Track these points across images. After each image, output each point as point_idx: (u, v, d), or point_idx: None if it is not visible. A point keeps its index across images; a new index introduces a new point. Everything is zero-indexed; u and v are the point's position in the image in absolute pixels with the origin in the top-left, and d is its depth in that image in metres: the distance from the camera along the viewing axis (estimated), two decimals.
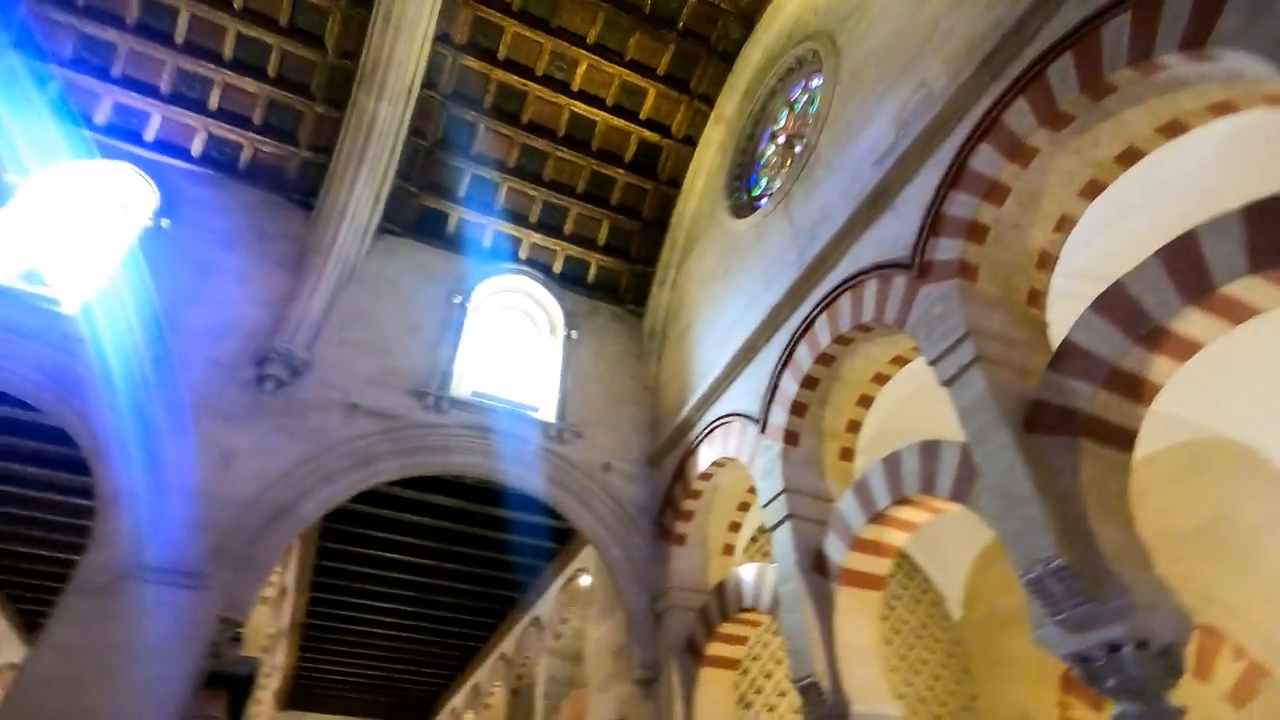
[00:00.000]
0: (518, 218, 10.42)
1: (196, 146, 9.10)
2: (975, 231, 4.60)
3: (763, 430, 6.62)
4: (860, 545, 5.31)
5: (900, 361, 6.05)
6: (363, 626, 14.96)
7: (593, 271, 10.90)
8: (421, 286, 9.42)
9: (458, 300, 9.49)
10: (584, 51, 9.56)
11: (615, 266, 10.96)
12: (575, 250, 10.73)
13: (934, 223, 4.91)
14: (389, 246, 9.54)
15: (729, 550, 8.25)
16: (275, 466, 7.09)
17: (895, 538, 5.35)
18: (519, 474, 8.38)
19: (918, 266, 4.93)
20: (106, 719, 5.38)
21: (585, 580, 10.85)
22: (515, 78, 9.64)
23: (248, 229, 8.78)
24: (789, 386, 6.39)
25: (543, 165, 10.27)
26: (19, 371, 6.71)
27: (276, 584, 10.98)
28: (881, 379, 6.23)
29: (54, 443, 8.41)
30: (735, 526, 8.31)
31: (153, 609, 5.84)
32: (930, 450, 4.65)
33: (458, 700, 18.28)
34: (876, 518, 5.17)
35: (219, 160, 9.20)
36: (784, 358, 6.57)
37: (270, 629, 12.45)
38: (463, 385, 8.86)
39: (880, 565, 5.41)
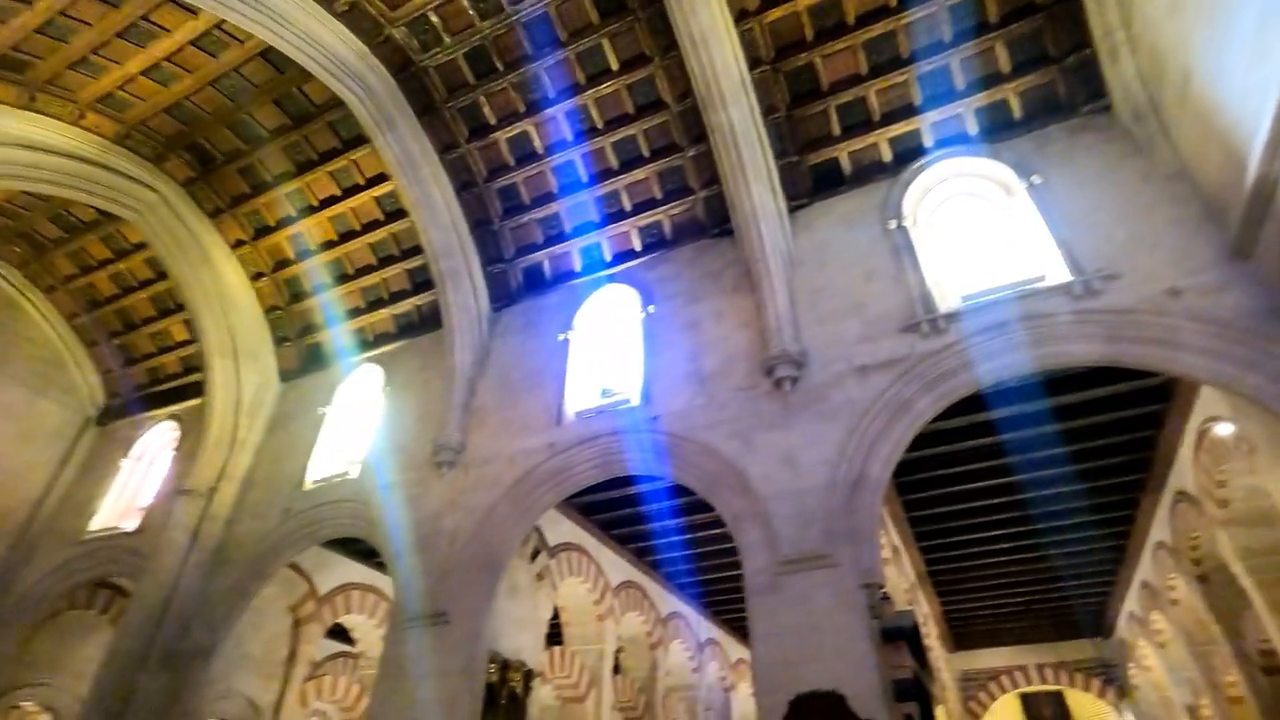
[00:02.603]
0: (901, 112, 9.52)
1: (636, 243, 11.08)
2: None
3: None
4: None
5: None
6: (983, 560, 14.78)
7: (1016, 105, 9.11)
8: (852, 234, 9.31)
9: (893, 225, 9.04)
10: None
11: (1040, 80, 8.94)
12: (982, 98, 9.17)
13: None
14: (806, 219, 9.78)
15: None
16: (829, 449, 7.72)
17: None
18: (1061, 351, 7.27)
19: None
20: (820, 682, 6.42)
21: (1224, 429, 8.60)
22: None
23: (699, 278, 10.14)
24: None
25: (895, 47, 9.23)
26: (633, 457, 8.98)
27: (886, 545, 11.76)
28: None
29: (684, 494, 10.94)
30: None
31: (812, 591, 6.88)
32: None
33: (1131, 604, 16.28)
34: None
35: (653, 242, 10.99)
36: None
37: (904, 584, 13.35)
38: (947, 298, 8.29)
39: None
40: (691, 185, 10.55)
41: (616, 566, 13.32)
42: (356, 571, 13.32)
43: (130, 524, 12.83)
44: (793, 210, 9.81)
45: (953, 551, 14.22)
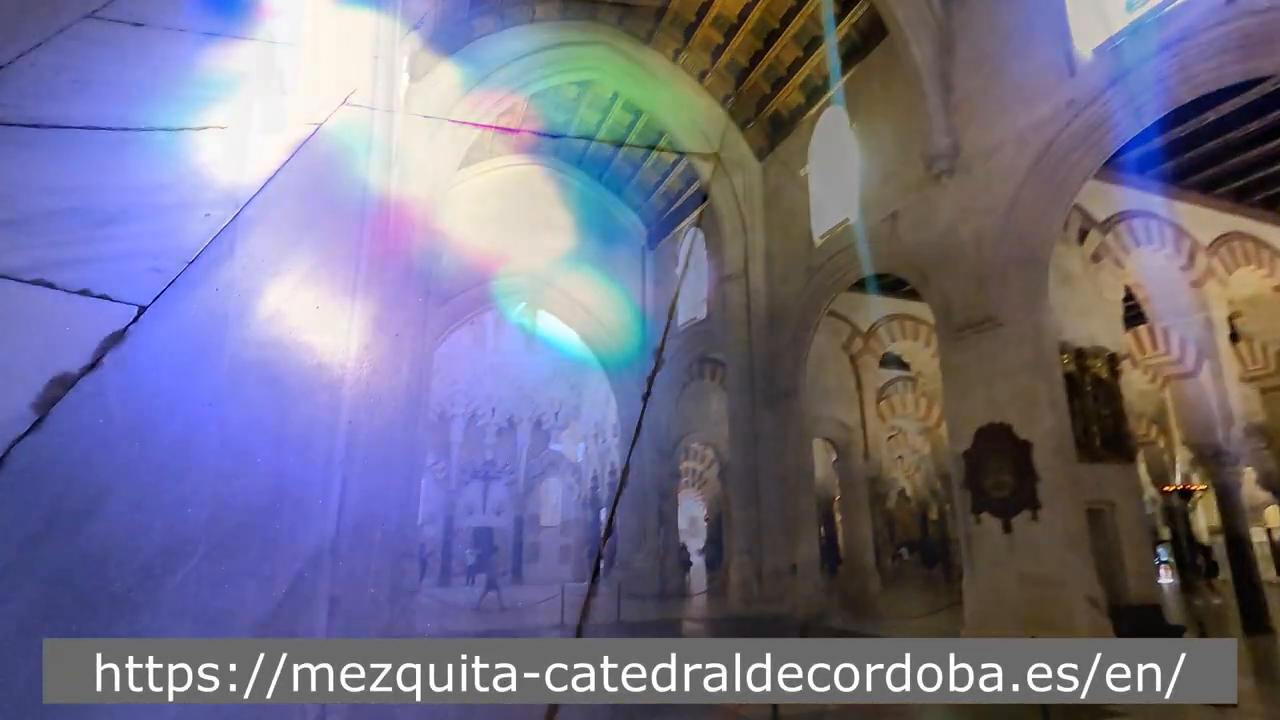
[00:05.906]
0: None
1: None
2: None
3: None
4: None
5: None
6: None
7: None
8: None
9: None
10: None
11: None
12: None
13: None
14: None
15: None
16: None
17: None
18: None
19: None
20: None
21: None
22: None
23: None
24: None
25: None
26: (1210, 67, 6.58)
27: None
28: None
29: None
30: None
31: None
32: None
33: None
34: None
35: None
36: None
37: None
38: None
39: None
40: None
41: (1205, 220, 10.53)
42: (888, 305, 13.98)
43: (700, 314, 16.19)
44: None
45: None
